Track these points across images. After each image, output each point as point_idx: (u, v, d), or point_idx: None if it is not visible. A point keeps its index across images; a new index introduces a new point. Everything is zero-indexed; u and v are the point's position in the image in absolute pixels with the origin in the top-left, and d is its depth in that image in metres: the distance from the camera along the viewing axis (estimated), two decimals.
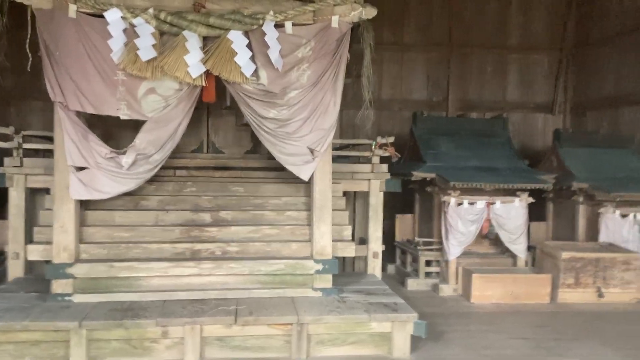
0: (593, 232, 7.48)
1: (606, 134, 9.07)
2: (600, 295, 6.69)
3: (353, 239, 6.14)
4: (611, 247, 7.06)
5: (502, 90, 10.41)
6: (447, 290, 6.97)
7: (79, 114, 4.85)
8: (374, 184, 6.47)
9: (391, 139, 6.52)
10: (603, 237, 7.29)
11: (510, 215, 6.97)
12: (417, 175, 7.17)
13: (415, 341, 4.88)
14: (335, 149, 6.03)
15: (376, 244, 6.44)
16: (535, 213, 7.93)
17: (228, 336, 4.60)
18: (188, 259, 5.14)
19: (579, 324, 5.90)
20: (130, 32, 4.71)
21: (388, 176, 6.49)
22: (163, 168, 5.43)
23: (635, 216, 7.28)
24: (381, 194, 6.50)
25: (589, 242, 7.39)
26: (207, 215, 5.54)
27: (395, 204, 8.60)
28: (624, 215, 7.30)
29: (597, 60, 9.88)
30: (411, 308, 4.96)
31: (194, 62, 4.77)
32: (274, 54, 4.86)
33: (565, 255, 6.71)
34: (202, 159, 6.24)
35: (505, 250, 7.26)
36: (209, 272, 5.10)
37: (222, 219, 5.55)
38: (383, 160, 6.57)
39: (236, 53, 4.82)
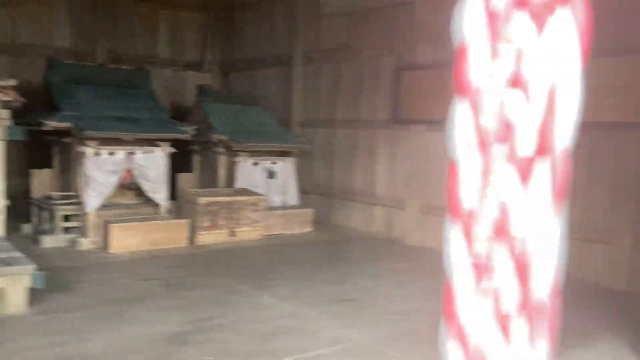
0: (232, 179, 8.21)
1: (242, 92, 10.00)
2: (232, 234, 7.42)
3: None
4: (244, 192, 7.87)
5: (153, 45, 10.43)
6: (87, 243, 6.73)
7: None
8: None
9: (12, 82, 5.83)
10: (239, 184, 8.09)
11: (152, 165, 7.12)
12: (50, 124, 6.66)
13: (38, 294, 4.59)
14: None
15: None
16: (184, 165, 8.29)
17: None
18: None
19: (211, 261, 6.45)
20: None
21: (9, 123, 5.82)
22: None
23: (264, 164, 8.26)
24: (2, 143, 5.80)
25: (225, 188, 8.08)
26: None
27: (32, 159, 7.90)
28: (255, 164, 8.22)
29: (241, 25, 10.72)
30: (30, 261, 4.63)
31: None
32: None
33: (202, 200, 7.21)
34: None
35: (148, 200, 7.40)
36: None
37: None
38: (4, 105, 5.85)
39: None
